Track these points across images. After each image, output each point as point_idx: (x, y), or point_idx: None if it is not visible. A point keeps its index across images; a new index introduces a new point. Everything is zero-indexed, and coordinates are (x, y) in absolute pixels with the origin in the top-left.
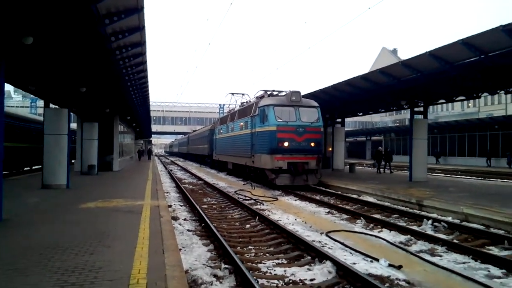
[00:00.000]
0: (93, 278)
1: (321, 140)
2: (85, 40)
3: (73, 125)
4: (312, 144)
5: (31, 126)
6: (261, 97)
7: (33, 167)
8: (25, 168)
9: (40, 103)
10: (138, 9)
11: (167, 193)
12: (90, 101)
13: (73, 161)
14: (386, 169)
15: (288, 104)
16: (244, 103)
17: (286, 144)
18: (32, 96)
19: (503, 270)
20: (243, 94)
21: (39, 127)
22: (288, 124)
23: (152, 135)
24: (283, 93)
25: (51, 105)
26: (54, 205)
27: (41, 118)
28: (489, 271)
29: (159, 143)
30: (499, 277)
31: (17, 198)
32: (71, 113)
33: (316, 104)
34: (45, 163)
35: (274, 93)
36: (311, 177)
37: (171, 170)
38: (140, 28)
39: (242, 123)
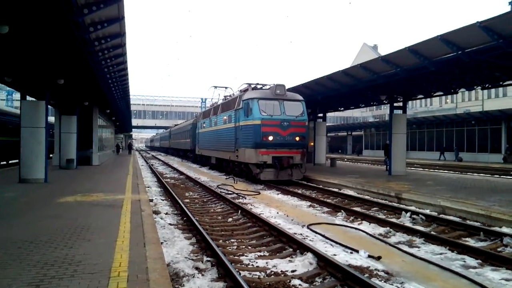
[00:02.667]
0: (73, 271)
1: (306, 134)
2: (62, 30)
3: (51, 119)
4: (297, 138)
5: (7, 119)
6: (245, 90)
7: (10, 162)
8: (2, 163)
9: (17, 95)
10: None
11: (148, 187)
12: (69, 93)
13: (51, 155)
14: None
15: (272, 98)
16: (228, 97)
17: (270, 138)
18: (8, 88)
19: (479, 261)
20: (226, 88)
21: (15, 120)
22: (273, 118)
23: (133, 129)
24: (267, 87)
25: (28, 98)
26: (32, 199)
27: (18, 111)
28: (465, 261)
29: (140, 137)
30: (474, 267)
31: None
32: (49, 106)
33: (300, 97)
34: (22, 156)
35: (258, 86)
36: (296, 171)
37: (152, 165)
38: (119, 19)
39: (225, 117)
